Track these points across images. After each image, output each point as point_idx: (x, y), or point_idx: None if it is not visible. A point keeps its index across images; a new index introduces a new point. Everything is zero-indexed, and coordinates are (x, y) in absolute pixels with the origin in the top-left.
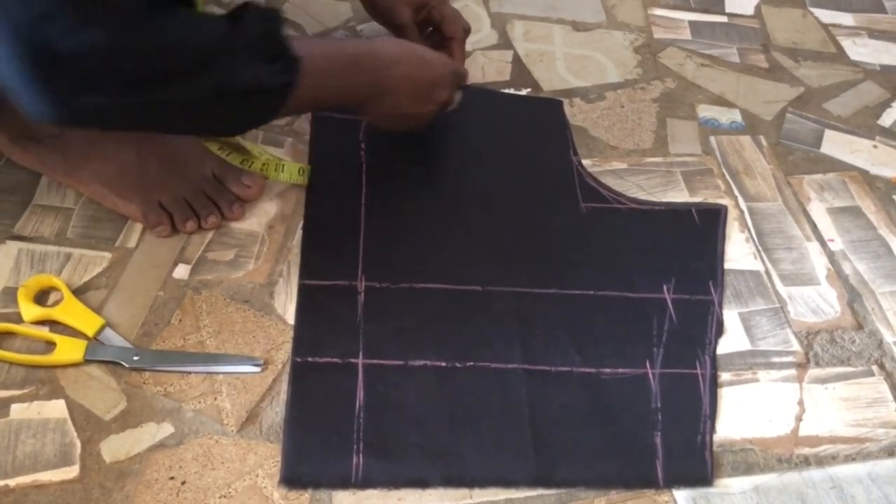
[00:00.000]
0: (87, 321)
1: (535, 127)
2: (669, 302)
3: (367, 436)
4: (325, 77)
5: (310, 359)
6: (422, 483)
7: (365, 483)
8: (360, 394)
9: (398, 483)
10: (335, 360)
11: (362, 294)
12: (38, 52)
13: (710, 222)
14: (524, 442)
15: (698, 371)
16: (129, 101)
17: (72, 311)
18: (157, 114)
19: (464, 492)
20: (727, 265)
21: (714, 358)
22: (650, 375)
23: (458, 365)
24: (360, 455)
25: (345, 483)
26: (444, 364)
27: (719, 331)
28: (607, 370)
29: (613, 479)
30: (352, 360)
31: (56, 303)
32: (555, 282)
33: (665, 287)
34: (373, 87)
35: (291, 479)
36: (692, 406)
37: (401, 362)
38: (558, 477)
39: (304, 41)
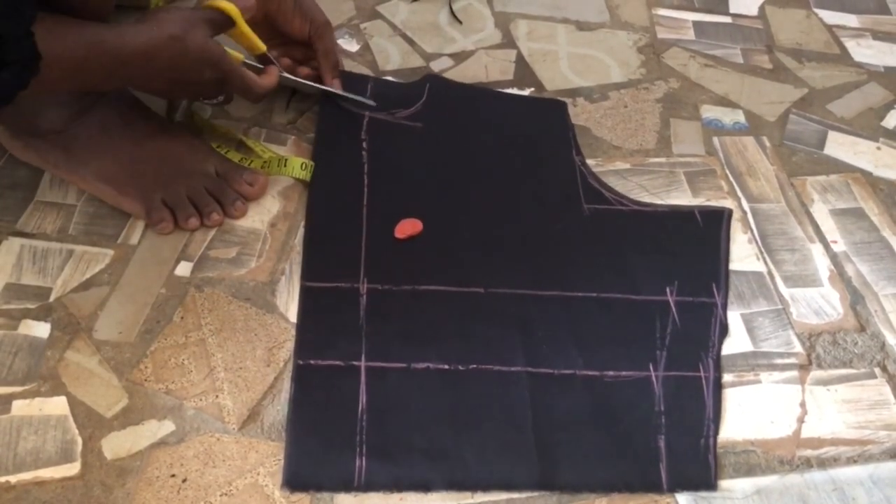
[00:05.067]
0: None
1: (538, 128)
2: (672, 304)
3: (369, 439)
4: (71, 71)
5: (312, 361)
6: (424, 486)
7: (368, 486)
8: (363, 397)
9: (401, 486)
10: (338, 362)
11: (364, 296)
12: None
13: (713, 224)
14: (527, 445)
15: (702, 374)
16: None
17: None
18: None
19: (465, 493)
20: (729, 266)
21: (718, 361)
22: (653, 378)
23: (460, 368)
24: (363, 458)
25: (347, 486)
26: (446, 367)
27: (723, 333)
28: (610, 373)
29: (617, 483)
30: (354, 362)
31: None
32: (557, 284)
33: (668, 289)
34: (123, 80)
35: (294, 482)
36: (696, 409)
37: (403, 365)
38: (562, 481)
39: (55, 26)
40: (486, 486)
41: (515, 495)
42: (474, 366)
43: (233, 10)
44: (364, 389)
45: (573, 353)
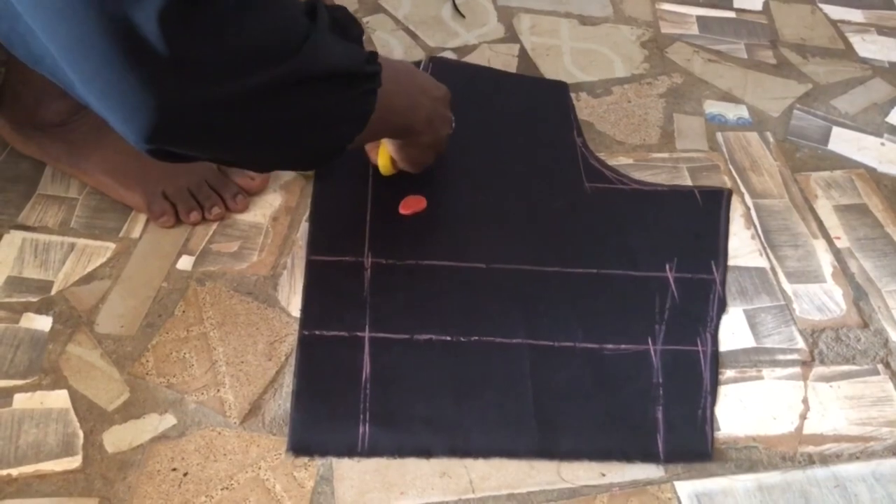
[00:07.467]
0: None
1: (539, 108)
2: (671, 280)
3: (373, 407)
4: (394, 84)
5: (317, 332)
6: (426, 452)
7: (371, 452)
8: (367, 366)
9: (403, 452)
10: (342, 333)
11: (369, 270)
12: (131, 38)
13: (712, 203)
14: (527, 414)
15: (699, 348)
16: (224, 91)
17: None
18: (251, 111)
19: (466, 486)
20: (732, 261)
21: (715, 335)
22: (652, 352)
23: (462, 339)
24: (367, 425)
25: (351, 452)
26: (448, 338)
27: (721, 308)
28: (610, 346)
29: (615, 451)
30: (358, 333)
31: None
32: (558, 260)
33: (667, 266)
34: (410, 112)
35: (299, 448)
36: (693, 382)
37: (406, 336)
38: (561, 448)
39: None
40: (486, 453)
41: (515, 489)
42: (476, 337)
43: None
44: (368, 359)
45: (573, 326)
